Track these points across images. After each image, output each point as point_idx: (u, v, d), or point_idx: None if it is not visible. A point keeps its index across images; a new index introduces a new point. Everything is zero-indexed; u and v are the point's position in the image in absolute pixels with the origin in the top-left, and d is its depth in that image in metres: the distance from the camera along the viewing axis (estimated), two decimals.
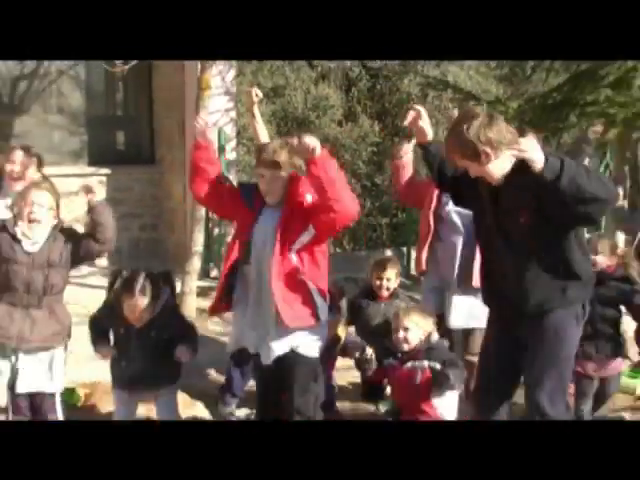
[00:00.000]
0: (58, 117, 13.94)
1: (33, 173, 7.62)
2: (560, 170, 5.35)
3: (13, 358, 6.48)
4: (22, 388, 6.51)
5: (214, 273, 12.92)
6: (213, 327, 11.01)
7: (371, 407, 8.45)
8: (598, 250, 7.86)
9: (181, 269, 11.71)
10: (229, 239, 7.94)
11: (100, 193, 13.66)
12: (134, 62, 11.58)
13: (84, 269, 10.27)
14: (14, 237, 6.37)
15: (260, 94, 7.60)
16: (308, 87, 18.96)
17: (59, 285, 6.55)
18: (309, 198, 5.90)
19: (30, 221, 6.34)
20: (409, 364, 6.94)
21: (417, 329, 6.97)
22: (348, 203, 5.65)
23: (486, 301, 6.53)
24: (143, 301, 6.45)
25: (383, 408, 8.29)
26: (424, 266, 8.08)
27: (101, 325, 6.78)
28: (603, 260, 7.70)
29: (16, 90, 13.54)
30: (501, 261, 6.17)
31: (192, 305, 11.48)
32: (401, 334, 6.96)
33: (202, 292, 11.93)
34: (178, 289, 11.46)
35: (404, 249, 13.71)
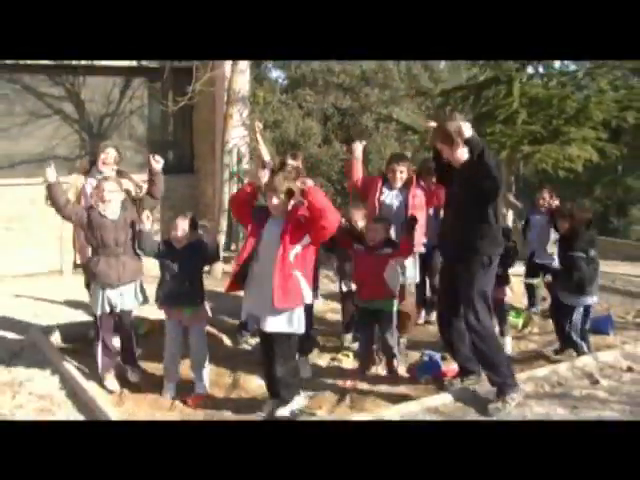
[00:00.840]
0: (129, 142, 14.07)
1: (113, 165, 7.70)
2: (483, 145, 6.01)
3: (111, 292, 6.63)
4: (123, 306, 6.72)
5: (233, 247, 13.13)
6: None
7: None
8: None
9: None
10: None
11: None
12: (182, 103, 11.82)
13: None
14: (100, 213, 6.56)
15: (261, 125, 7.66)
16: (298, 121, 19.03)
17: (134, 239, 6.71)
18: (302, 219, 5.80)
19: (103, 201, 6.53)
20: (375, 252, 7.03)
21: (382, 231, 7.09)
22: (332, 218, 5.63)
23: (439, 249, 7.07)
24: (184, 225, 6.57)
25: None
26: None
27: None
28: None
29: (102, 124, 13.72)
30: (447, 222, 6.61)
31: (219, 268, 11.65)
32: (370, 233, 7.09)
33: (226, 260, 11.98)
34: None
35: None
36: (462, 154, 6.24)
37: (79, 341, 7.78)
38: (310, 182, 5.66)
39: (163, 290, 6.70)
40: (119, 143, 13.68)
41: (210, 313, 6.92)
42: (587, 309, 7.74)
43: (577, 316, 7.61)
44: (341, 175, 19.63)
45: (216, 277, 11.41)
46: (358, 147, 7.94)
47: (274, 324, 5.90)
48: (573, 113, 11.73)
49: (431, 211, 8.35)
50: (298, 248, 5.81)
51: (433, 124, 6.56)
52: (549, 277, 7.80)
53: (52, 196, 6.52)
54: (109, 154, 7.63)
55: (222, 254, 11.84)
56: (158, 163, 6.81)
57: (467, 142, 6.04)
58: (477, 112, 12.73)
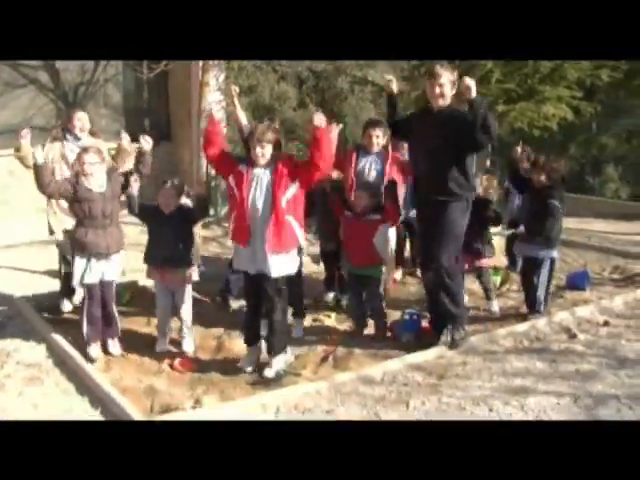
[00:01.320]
0: (104, 110, 14.07)
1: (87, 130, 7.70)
2: (485, 101, 6.46)
3: (96, 262, 6.67)
4: (106, 277, 6.75)
5: (212, 212, 13.13)
6: (213, 249, 11.24)
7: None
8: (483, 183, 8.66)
9: None
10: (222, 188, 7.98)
11: (133, 160, 13.95)
12: (157, 70, 11.81)
13: None
14: (86, 187, 6.55)
15: (237, 89, 7.65)
16: (272, 85, 18.98)
17: (119, 209, 6.77)
18: (292, 163, 6.03)
19: (85, 175, 6.52)
20: (363, 219, 7.18)
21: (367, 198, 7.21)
22: (329, 160, 5.94)
23: (415, 190, 7.15)
24: (171, 191, 6.74)
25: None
26: None
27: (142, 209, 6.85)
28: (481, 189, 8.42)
29: (77, 93, 13.67)
30: (425, 169, 6.75)
31: (198, 233, 11.70)
32: (356, 200, 7.23)
33: (204, 225, 12.04)
34: None
35: None
36: (446, 100, 6.60)
37: (52, 311, 7.84)
38: (323, 120, 5.84)
39: (152, 253, 6.82)
40: (94, 111, 13.72)
41: (197, 277, 7.12)
42: (552, 262, 7.87)
43: (545, 271, 7.76)
44: None
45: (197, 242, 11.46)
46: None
47: (274, 268, 6.09)
48: (547, 72, 11.84)
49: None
50: (289, 193, 5.98)
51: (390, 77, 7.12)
52: (522, 229, 7.88)
53: (39, 177, 6.47)
54: (83, 119, 7.62)
55: None
56: (148, 144, 6.80)
57: (471, 101, 6.33)
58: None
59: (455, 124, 6.49)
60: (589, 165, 20.15)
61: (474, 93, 6.28)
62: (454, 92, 6.64)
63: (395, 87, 7.09)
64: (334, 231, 7.64)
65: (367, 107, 19.63)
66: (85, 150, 6.71)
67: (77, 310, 7.50)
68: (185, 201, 7.20)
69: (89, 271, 6.69)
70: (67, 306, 7.84)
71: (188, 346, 6.92)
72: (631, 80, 15.86)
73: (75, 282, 6.81)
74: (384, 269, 7.35)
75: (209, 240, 11.78)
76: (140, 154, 6.85)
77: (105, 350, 6.86)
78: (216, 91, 13.43)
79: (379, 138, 7.69)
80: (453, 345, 6.80)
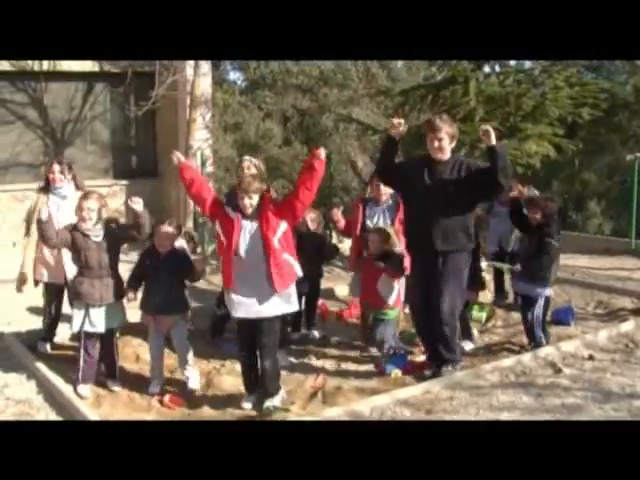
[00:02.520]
0: (93, 147, 14.18)
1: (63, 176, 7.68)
2: (506, 147, 6.85)
3: (93, 311, 6.67)
4: (102, 328, 6.73)
5: (199, 250, 13.15)
6: (199, 285, 11.09)
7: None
8: None
9: None
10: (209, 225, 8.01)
11: (121, 197, 14.04)
12: (145, 108, 11.92)
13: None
14: (83, 234, 6.58)
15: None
16: (258, 123, 19.14)
17: (116, 260, 6.79)
18: (272, 205, 6.10)
19: (84, 221, 6.53)
20: (377, 263, 7.50)
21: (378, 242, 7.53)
22: (313, 196, 6.04)
23: (410, 244, 7.10)
24: (169, 230, 6.71)
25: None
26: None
27: (135, 273, 6.90)
28: None
29: (65, 130, 13.79)
30: (427, 219, 6.70)
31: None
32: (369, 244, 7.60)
33: None
34: None
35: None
36: (445, 153, 6.72)
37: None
38: (323, 153, 5.95)
39: (146, 300, 6.85)
40: (82, 148, 13.85)
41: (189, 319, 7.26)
42: (547, 301, 7.97)
43: (539, 309, 7.84)
44: None
45: None
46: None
47: (274, 308, 6.20)
48: (530, 110, 11.98)
49: None
50: (279, 233, 6.09)
51: (399, 120, 6.85)
52: (519, 267, 7.93)
53: (45, 233, 6.49)
54: (55, 171, 7.64)
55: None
56: (138, 204, 6.61)
57: (492, 147, 6.45)
58: (435, 110, 12.92)
59: (467, 173, 6.61)
60: (572, 201, 20.36)
61: (493, 140, 6.40)
62: (453, 145, 6.76)
63: (401, 131, 6.91)
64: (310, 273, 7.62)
65: (352, 144, 19.80)
66: (85, 196, 6.71)
67: (64, 347, 7.53)
68: (180, 243, 7.23)
69: (84, 319, 6.71)
70: (43, 347, 7.83)
71: (193, 383, 6.92)
72: (612, 117, 16.10)
73: (74, 329, 6.83)
74: (390, 313, 7.60)
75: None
76: (136, 216, 6.69)
77: (97, 384, 6.89)
78: (203, 129, 13.55)
79: (385, 188, 7.82)
80: (437, 375, 6.96)
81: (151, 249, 6.87)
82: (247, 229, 6.11)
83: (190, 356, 7.00)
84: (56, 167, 7.67)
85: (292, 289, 6.30)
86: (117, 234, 6.79)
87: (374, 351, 7.74)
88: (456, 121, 11.87)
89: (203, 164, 13.72)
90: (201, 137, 13.36)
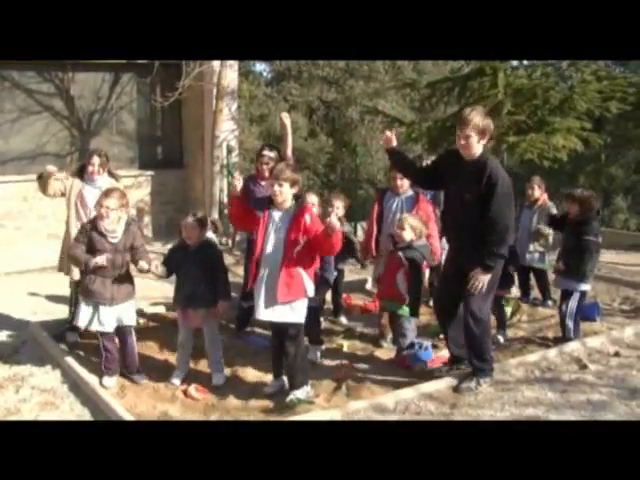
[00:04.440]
0: (119, 137, 14.22)
1: (104, 170, 7.77)
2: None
3: (103, 310, 6.67)
4: (110, 327, 6.72)
5: (224, 240, 13.15)
6: None
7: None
8: None
9: None
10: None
11: (146, 187, 14.09)
12: (172, 99, 11.93)
13: None
14: (100, 233, 6.58)
15: (288, 121, 7.87)
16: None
17: (128, 261, 6.76)
18: (307, 219, 5.96)
19: (102, 219, 6.54)
20: (399, 252, 7.25)
21: (410, 231, 7.27)
22: (337, 248, 6.04)
23: (447, 241, 7.02)
24: (194, 223, 6.68)
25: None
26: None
27: (169, 257, 6.89)
28: None
29: (91, 120, 13.83)
30: (460, 217, 6.44)
31: None
32: (399, 232, 7.30)
33: None
34: None
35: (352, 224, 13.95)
36: (473, 151, 6.27)
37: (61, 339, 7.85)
38: (337, 224, 5.83)
39: (177, 292, 6.87)
40: (108, 138, 13.89)
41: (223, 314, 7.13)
42: (583, 295, 7.96)
43: (574, 302, 7.82)
44: (327, 168, 19.77)
45: None
46: None
47: (277, 315, 6.11)
48: (557, 103, 11.91)
49: None
50: (300, 245, 6.00)
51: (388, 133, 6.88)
52: (561, 265, 7.88)
53: (71, 252, 6.73)
54: (95, 163, 7.70)
55: None
56: (157, 270, 6.72)
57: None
58: (463, 103, 12.88)
59: (483, 187, 6.15)
60: (598, 196, 20.20)
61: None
62: (484, 142, 6.27)
63: (394, 141, 6.88)
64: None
65: (377, 137, 19.76)
66: (107, 194, 6.70)
67: (91, 335, 7.55)
68: (210, 235, 7.20)
69: (96, 319, 6.71)
70: (72, 337, 7.85)
71: (218, 380, 6.87)
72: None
73: (80, 325, 6.84)
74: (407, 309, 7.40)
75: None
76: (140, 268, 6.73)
77: (123, 375, 6.91)
78: (229, 120, 13.55)
79: (403, 180, 7.80)
80: (457, 390, 6.60)
81: (181, 242, 6.88)
82: (273, 222, 6.09)
83: (220, 354, 6.99)
84: (96, 159, 7.71)
85: (298, 303, 6.15)
86: (132, 244, 6.75)
87: (393, 345, 7.73)
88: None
89: (229, 155, 13.73)
90: (227, 128, 13.34)
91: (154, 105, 13.42)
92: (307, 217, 5.97)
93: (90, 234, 6.62)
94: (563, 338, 7.95)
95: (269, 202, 6.17)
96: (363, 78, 20.31)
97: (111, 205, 6.56)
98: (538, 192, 9.32)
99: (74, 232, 7.28)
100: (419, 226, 7.33)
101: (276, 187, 6.01)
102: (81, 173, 7.76)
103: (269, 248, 6.08)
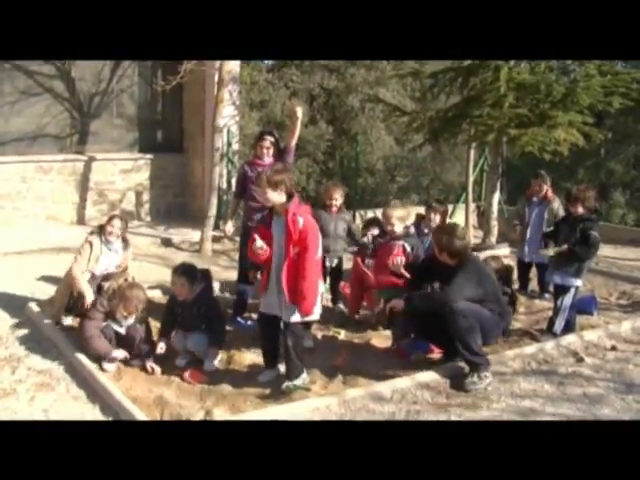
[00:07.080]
0: (119, 120, 14.17)
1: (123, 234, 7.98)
2: None
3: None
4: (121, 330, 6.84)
5: (222, 225, 13.12)
6: (223, 262, 11.34)
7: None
8: None
9: (201, 223, 12.10)
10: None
11: (146, 171, 14.07)
12: (174, 83, 11.87)
13: None
14: (112, 328, 6.80)
15: (300, 114, 7.93)
16: (284, 101, 19.06)
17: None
18: (300, 221, 5.98)
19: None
20: (391, 242, 7.51)
21: (399, 223, 7.55)
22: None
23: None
24: (180, 279, 6.82)
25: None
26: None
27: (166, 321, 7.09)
28: None
29: (92, 103, 13.78)
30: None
31: (209, 247, 11.87)
32: (390, 228, 7.59)
33: (215, 239, 12.24)
34: (199, 238, 11.76)
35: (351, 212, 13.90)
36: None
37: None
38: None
39: (179, 346, 7.01)
40: (108, 121, 13.85)
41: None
42: (576, 292, 7.96)
43: (569, 298, 7.83)
44: (326, 156, 19.73)
45: (206, 255, 11.60)
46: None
47: (291, 315, 6.14)
48: (560, 97, 11.85)
49: None
50: (296, 249, 6.02)
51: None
52: (565, 247, 7.80)
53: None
54: (115, 225, 7.78)
55: (212, 233, 11.99)
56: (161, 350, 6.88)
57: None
58: (465, 95, 12.86)
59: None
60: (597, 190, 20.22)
61: None
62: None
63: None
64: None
65: (377, 125, 19.73)
66: (130, 286, 6.99)
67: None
68: (202, 286, 7.10)
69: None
70: (67, 321, 7.83)
71: (209, 366, 6.85)
72: None
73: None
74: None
75: (219, 254, 11.85)
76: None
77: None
78: (230, 105, 13.50)
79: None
80: (463, 388, 6.48)
81: (173, 296, 7.04)
82: (276, 231, 6.12)
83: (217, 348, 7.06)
84: (117, 223, 7.82)
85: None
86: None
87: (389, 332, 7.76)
88: (485, 107, 11.88)
89: (229, 141, 13.69)
90: (228, 114, 13.25)
91: (155, 89, 13.33)
92: (292, 229, 5.97)
93: (104, 328, 6.78)
94: (548, 330, 7.93)
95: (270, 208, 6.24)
96: (364, 66, 20.19)
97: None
98: (545, 188, 9.46)
99: (82, 286, 7.48)
100: (404, 214, 7.74)
101: (262, 196, 6.10)
102: (100, 231, 7.85)
103: (275, 255, 6.14)
